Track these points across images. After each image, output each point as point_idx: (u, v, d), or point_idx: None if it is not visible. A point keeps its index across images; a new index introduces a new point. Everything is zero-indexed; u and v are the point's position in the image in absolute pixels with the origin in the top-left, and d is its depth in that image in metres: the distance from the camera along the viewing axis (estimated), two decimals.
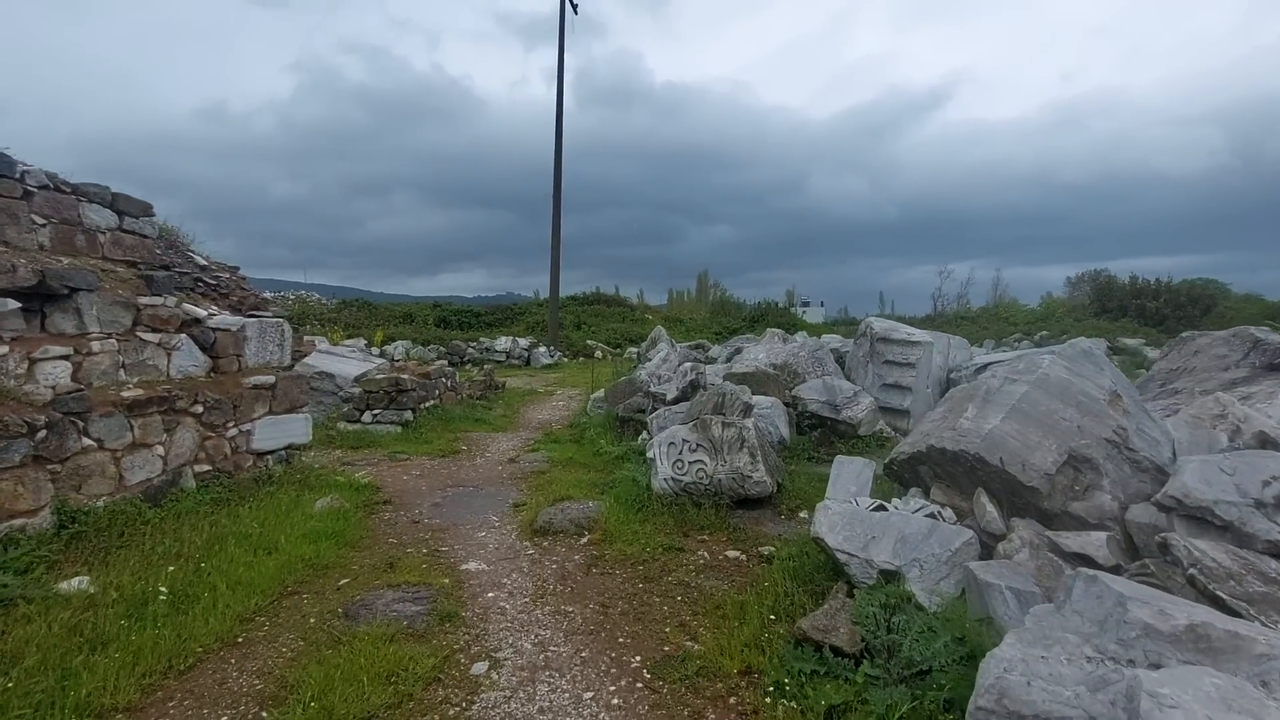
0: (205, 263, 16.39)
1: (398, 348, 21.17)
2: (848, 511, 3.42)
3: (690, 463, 5.52)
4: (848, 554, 3.26)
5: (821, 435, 7.33)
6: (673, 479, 5.53)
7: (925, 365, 8.33)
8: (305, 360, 10.05)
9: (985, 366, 8.43)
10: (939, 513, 3.45)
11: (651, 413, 7.40)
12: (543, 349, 22.49)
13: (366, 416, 8.80)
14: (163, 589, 3.48)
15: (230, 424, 5.55)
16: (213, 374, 5.73)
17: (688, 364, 7.56)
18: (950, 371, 8.78)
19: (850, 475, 3.88)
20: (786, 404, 7.31)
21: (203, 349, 5.64)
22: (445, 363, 21.26)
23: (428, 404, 9.34)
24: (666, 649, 3.22)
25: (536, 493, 6.27)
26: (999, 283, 36.21)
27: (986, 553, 3.32)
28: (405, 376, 8.81)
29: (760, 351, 9.73)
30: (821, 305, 50.00)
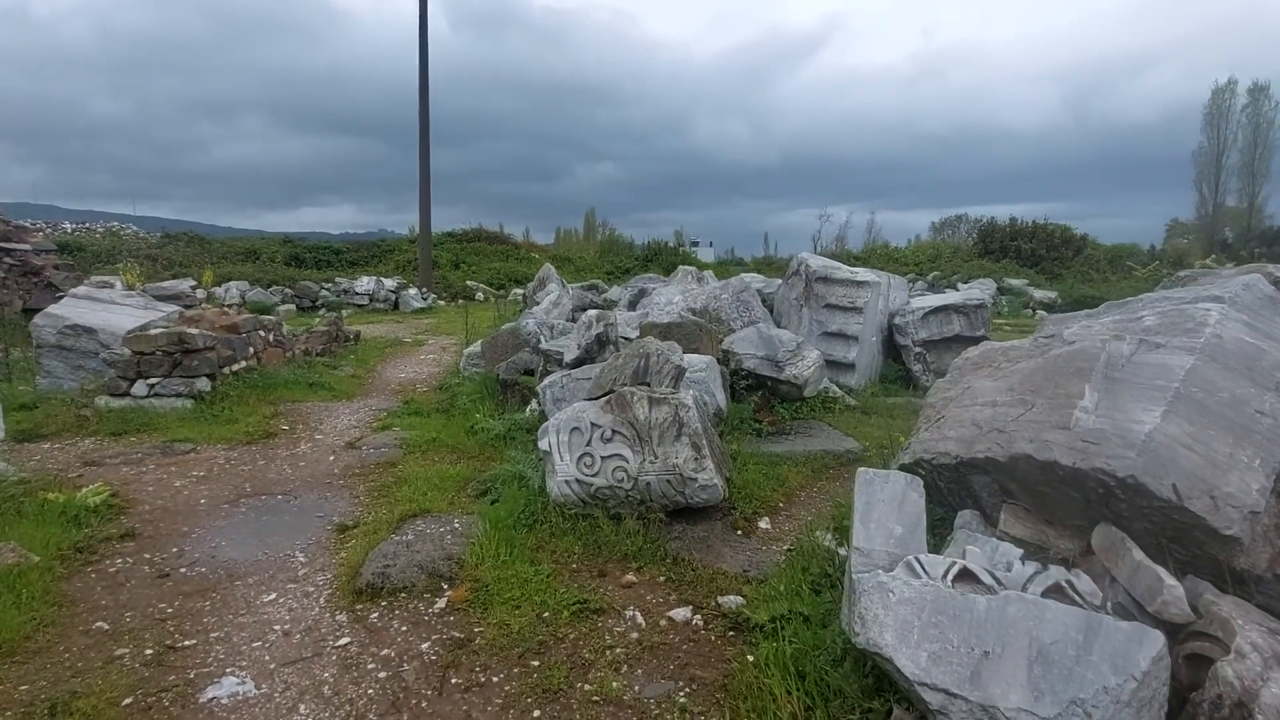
0: None
1: (231, 290, 17.58)
2: (928, 597, 1.83)
3: (604, 458, 3.78)
4: (947, 693, 1.68)
5: (762, 399, 5.84)
6: (579, 481, 3.79)
7: (872, 310, 7.02)
8: (50, 310, 7.21)
9: (936, 310, 7.27)
10: (1069, 584, 1.95)
11: (544, 377, 5.56)
12: (413, 291, 19.66)
13: (140, 388, 6.27)
14: None
15: None
16: None
17: (592, 312, 5.74)
18: (893, 316, 7.56)
19: (888, 505, 2.31)
20: (720, 361, 5.72)
21: None
22: (292, 307, 18.00)
23: (236, 366, 6.91)
24: None
25: (378, 502, 4.32)
26: (873, 226, 37.27)
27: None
28: (195, 331, 6.32)
29: (675, 294, 8.06)
30: (710, 245, 49.05)
